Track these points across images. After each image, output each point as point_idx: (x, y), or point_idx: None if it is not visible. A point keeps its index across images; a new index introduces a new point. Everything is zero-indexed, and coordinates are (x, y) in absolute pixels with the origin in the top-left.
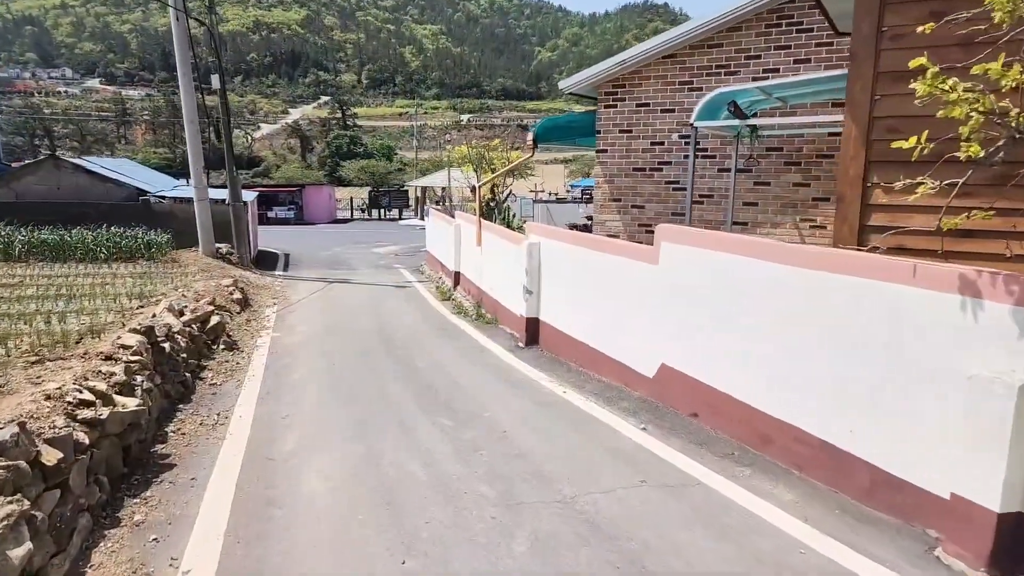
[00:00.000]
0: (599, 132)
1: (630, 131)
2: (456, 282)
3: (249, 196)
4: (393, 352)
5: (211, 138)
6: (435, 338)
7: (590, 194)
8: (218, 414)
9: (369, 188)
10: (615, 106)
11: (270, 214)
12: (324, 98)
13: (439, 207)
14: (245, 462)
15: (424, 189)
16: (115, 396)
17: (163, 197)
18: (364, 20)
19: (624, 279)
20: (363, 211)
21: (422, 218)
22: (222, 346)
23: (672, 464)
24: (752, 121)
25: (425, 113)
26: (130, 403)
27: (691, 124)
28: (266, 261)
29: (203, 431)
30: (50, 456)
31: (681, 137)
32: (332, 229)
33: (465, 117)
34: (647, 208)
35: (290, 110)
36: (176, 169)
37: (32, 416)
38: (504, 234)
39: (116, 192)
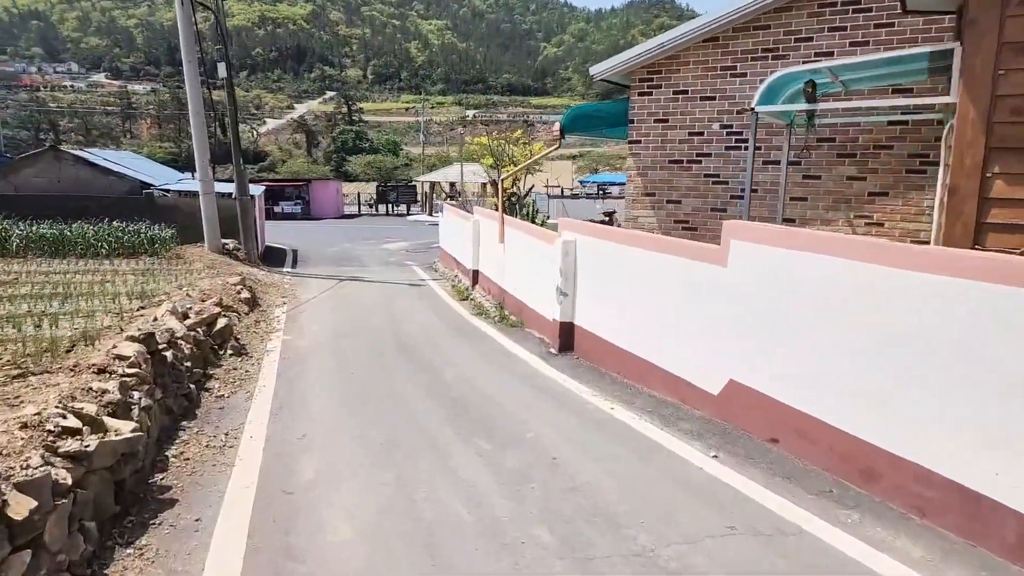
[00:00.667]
0: (632, 122)
1: (666, 120)
2: (474, 281)
3: (256, 190)
4: (415, 359)
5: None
6: (458, 343)
7: (605, 189)
8: (226, 433)
9: (376, 183)
10: (650, 93)
11: (276, 209)
12: (330, 93)
13: (454, 202)
14: (258, 496)
15: (432, 184)
16: (107, 420)
17: (167, 191)
18: (369, 15)
19: (683, 282)
20: (370, 206)
21: (430, 213)
22: (230, 351)
23: (760, 504)
24: (825, 105)
25: (432, 108)
26: (125, 428)
27: (751, 109)
28: (274, 257)
29: (209, 455)
30: (20, 507)
31: (723, 127)
32: (340, 224)
33: (471, 113)
34: (684, 203)
35: (296, 105)
36: (182, 163)
37: (2, 453)
38: (531, 231)
39: (118, 185)
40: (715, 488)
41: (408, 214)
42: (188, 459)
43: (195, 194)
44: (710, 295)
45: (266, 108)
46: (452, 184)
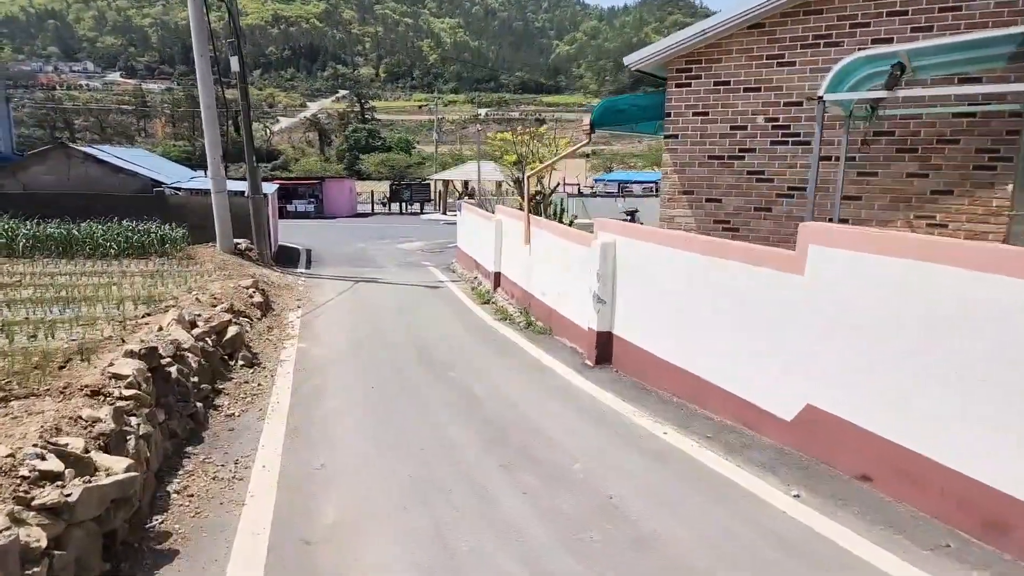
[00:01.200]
0: (668, 115)
1: (706, 113)
2: (496, 284)
3: (269, 188)
4: (440, 372)
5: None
6: (484, 352)
7: (626, 187)
8: (236, 462)
9: (389, 181)
10: (688, 85)
11: (289, 207)
12: (342, 92)
13: (472, 201)
14: (272, 547)
15: (447, 183)
16: (96, 457)
17: (179, 189)
18: (382, 14)
19: (747, 291)
20: (384, 205)
21: (445, 212)
22: (241, 362)
23: (866, 562)
24: (907, 91)
25: (444, 106)
26: (118, 465)
27: (818, 98)
28: (287, 258)
29: (216, 490)
30: None
31: (768, 120)
32: (353, 223)
33: (483, 111)
34: (724, 202)
35: (308, 104)
36: (195, 162)
37: None
38: (561, 232)
39: (129, 183)
40: (807, 539)
41: (422, 213)
42: (192, 495)
43: (207, 193)
44: (782, 307)
45: (279, 107)
46: (466, 183)
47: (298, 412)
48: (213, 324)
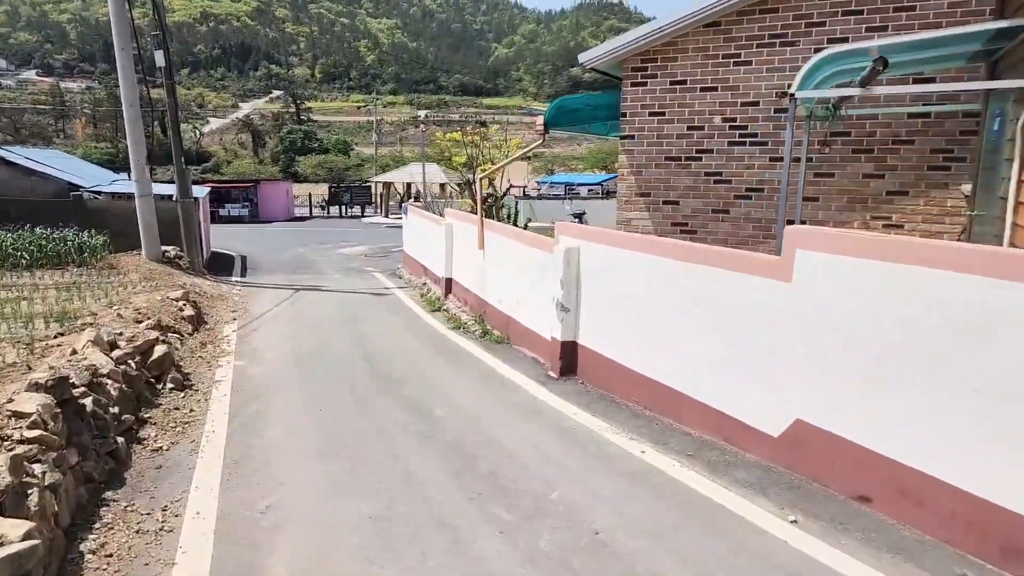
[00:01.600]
0: (624, 115)
1: (662, 113)
2: (448, 290)
3: (200, 192)
4: (395, 388)
5: (156, 132)
6: (441, 365)
7: (573, 190)
8: (164, 508)
9: (329, 184)
10: (644, 84)
11: (222, 212)
12: (276, 92)
13: (418, 203)
14: None
15: (388, 185)
16: None
17: (99, 193)
18: (317, 13)
19: (728, 299)
20: (323, 208)
21: (387, 216)
22: (170, 385)
23: None
24: (865, 92)
25: (384, 107)
26: (14, 531)
27: (789, 95)
28: (220, 265)
29: (141, 546)
30: None
31: (724, 120)
32: (291, 228)
33: (423, 112)
34: (682, 204)
35: (241, 104)
36: (119, 164)
37: None
38: (520, 236)
39: (42, 187)
40: (813, 571)
41: (363, 216)
42: (111, 555)
43: (131, 196)
44: (767, 316)
45: (209, 107)
46: (409, 185)
47: (237, 442)
48: (137, 344)
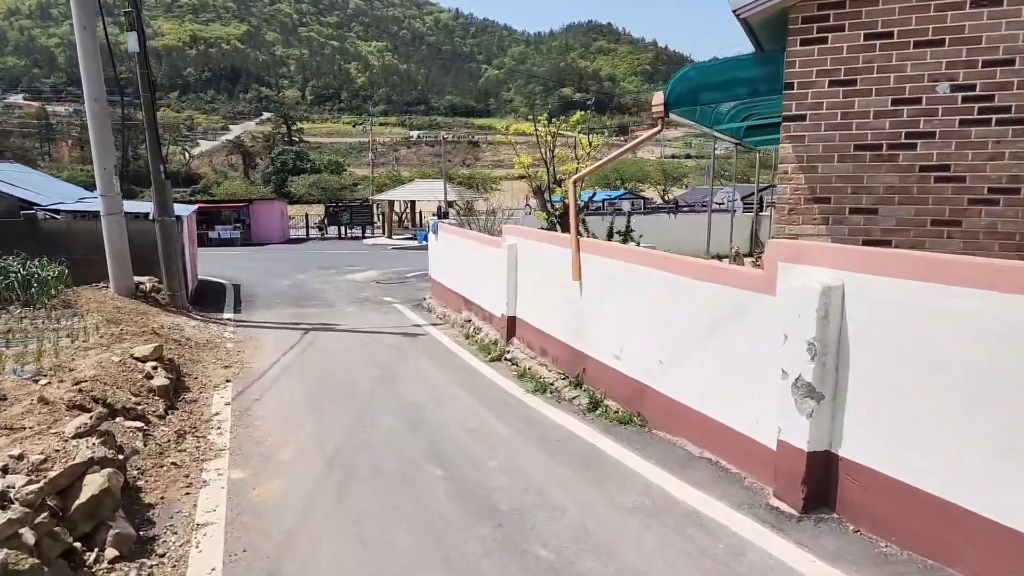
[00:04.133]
0: (790, 86)
1: (851, 82)
2: (510, 332)
3: (184, 210)
4: (521, 543)
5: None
6: (558, 472)
7: (616, 205)
8: None
9: (325, 204)
10: (823, 40)
11: (212, 234)
12: (267, 114)
13: (449, 220)
14: None
15: (391, 204)
16: None
17: (57, 211)
18: (307, 36)
19: None
20: (320, 229)
21: (390, 236)
22: (110, 549)
23: None
24: None
25: (376, 127)
26: None
27: None
28: (209, 297)
29: None
30: None
31: (955, 89)
32: (288, 251)
33: (415, 133)
34: (883, 213)
35: (231, 126)
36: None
37: None
38: (661, 263)
39: None
40: None
41: (364, 237)
42: None
43: (98, 216)
44: None
45: (199, 129)
46: (412, 203)
47: None
48: (53, 475)
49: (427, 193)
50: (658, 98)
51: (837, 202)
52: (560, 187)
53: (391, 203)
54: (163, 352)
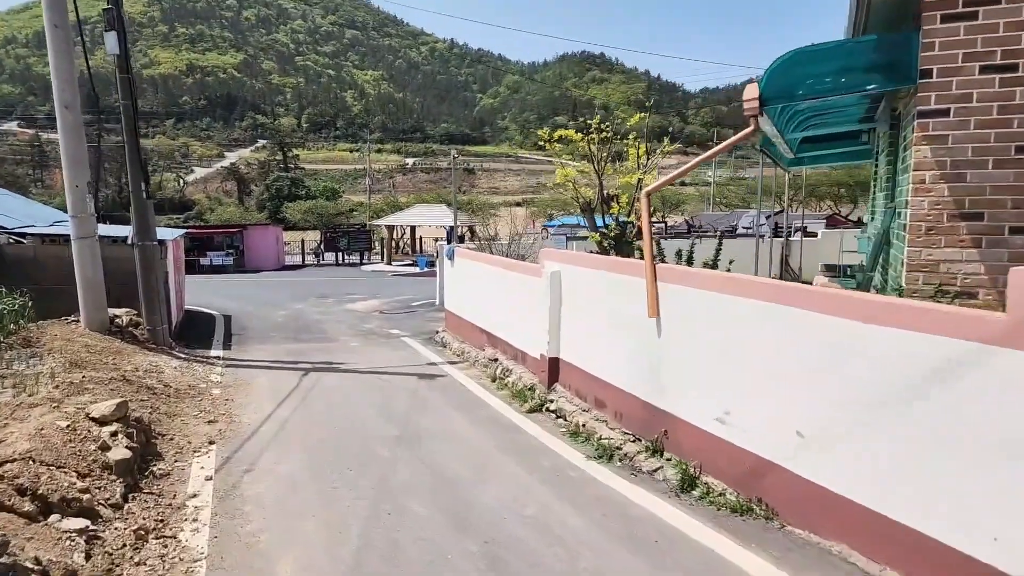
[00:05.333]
0: (926, 74)
1: (1012, 67)
2: (551, 376)
3: (170, 235)
4: None
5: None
6: None
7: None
8: None
9: (323, 230)
10: (972, 16)
11: (204, 261)
12: (262, 142)
13: (467, 245)
14: None
15: (391, 229)
16: None
17: (23, 235)
18: (303, 65)
19: None
20: (317, 256)
21: (389, 263)
22: None
23: None
24: None
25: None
26: None
27: None
28: (196, 330)
29: None
30: None
31: None
32: (283, 278)
33: (411, 161)
34: None
35: (226, 153)
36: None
37: None
38: (815, 302)
39: None
40: None
41: (362, 264)
42: None
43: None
44: None
45: (194, 156)
46: (413, 228)
47: None
48: None
49: (427, 219)
50: (751, 91)
51: (992, 219)
52: (616, 204)
53: (391, 228)
54: (128, 410)
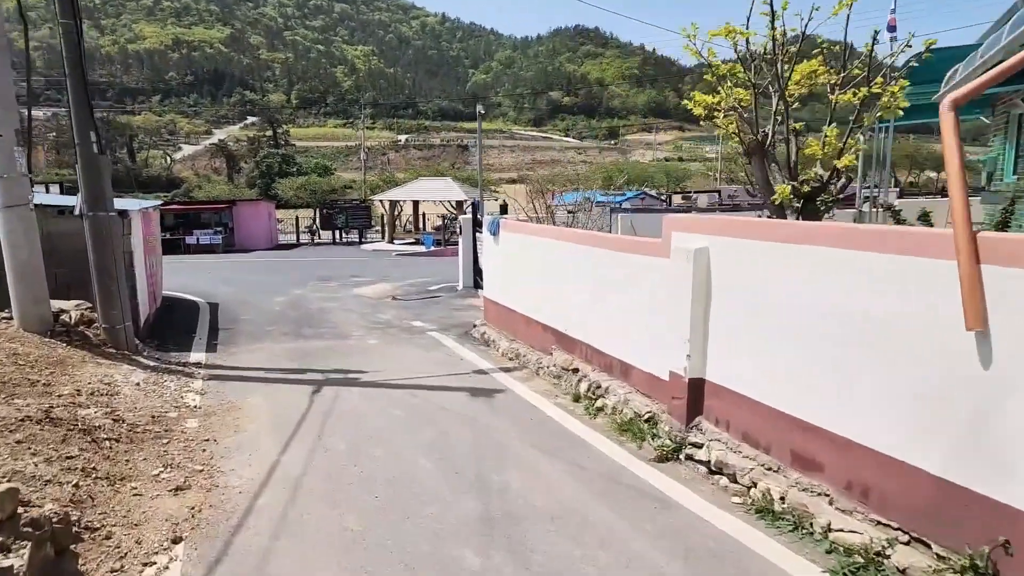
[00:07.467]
0: None
1: None
2: (694, 408)
3: (135, 205)
4: None
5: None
6: None
7: (661, 198)
8: None
9: (319, 206)
10: None
11: (189, 239)
12: (251, 118)
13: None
14: None
15: (393, 204)
16: None
17: None
18: (292, 40)
19: None
20: (312, 234)
21: (391, 241)
22: None
23: None
24: None
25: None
26: None
27: None
28: (174, 324)
29: None
30: None
31: None
32: (278, 258)
33: (403, 137)
34: None
35: (214, 130)
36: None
37: None
38: None
39: None
40: None
41: (362, 242)
42: None
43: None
44: None
45: (181, 133)
46: (416, 204)
47: None
48: None
49: (431, 193)
50: None
51: None
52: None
53: (392, 204)
54: (27, 496)
